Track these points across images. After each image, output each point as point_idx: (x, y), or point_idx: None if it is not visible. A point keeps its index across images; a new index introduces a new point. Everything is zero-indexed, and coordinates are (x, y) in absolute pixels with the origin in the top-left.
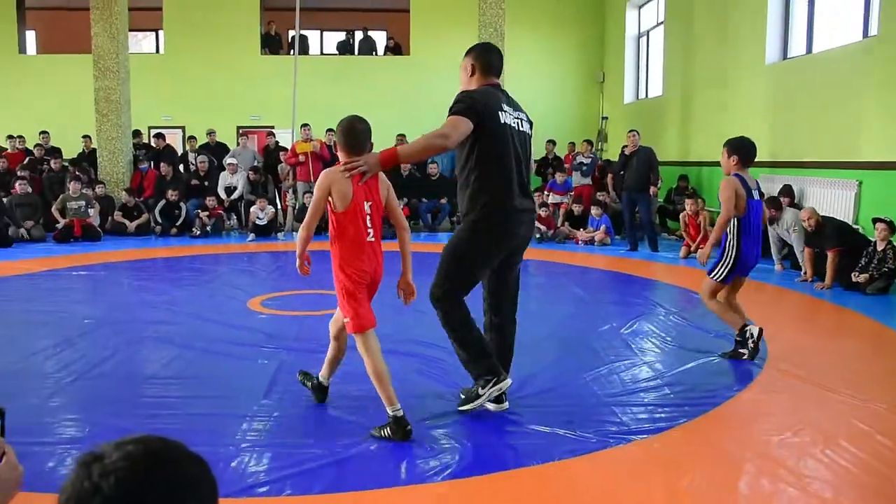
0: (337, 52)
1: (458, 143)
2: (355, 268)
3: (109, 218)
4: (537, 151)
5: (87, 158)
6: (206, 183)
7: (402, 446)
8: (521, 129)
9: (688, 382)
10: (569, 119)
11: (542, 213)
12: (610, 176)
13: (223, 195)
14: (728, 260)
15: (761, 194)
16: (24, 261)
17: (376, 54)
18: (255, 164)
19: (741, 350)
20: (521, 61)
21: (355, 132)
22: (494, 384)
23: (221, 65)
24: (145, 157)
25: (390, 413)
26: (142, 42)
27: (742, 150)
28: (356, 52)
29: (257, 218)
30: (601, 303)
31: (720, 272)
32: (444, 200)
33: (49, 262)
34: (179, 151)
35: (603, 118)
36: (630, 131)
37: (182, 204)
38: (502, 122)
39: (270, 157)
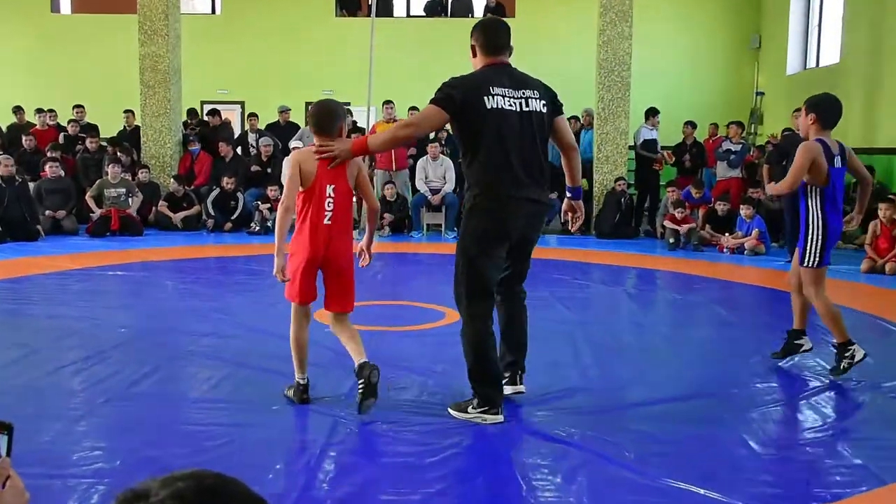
0: (424, 14)
1: (429, 132)
2: (300, 244)
3: (153, 209)
4: (671, 135)
5: (129, 138)
6: (268, 170)
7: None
8: (525, 108)
9: (864, 433)
10: (712, 95)
11: (677, 213)
12: (765, 167)
13: None
14: (815, 238)
15: (844, 160)
16: (52, 257)
17: (473, 16)
18: None
19: (799, 344)
20: (651, 24)
21: (326, 113)
22: (486, 413)
23: (289, 28)
24: (197, 138)
25: (298, 378)
26: (195, 1)
27: (823, 108)
28: (448, 13)
29: None
30: (752, 327)
31: (812, 255)
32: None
33: (81, 260)
34: (237, 131)
35: (758, 94)
36: (796, 110)
37: (239, 194)
38: (489, 106)
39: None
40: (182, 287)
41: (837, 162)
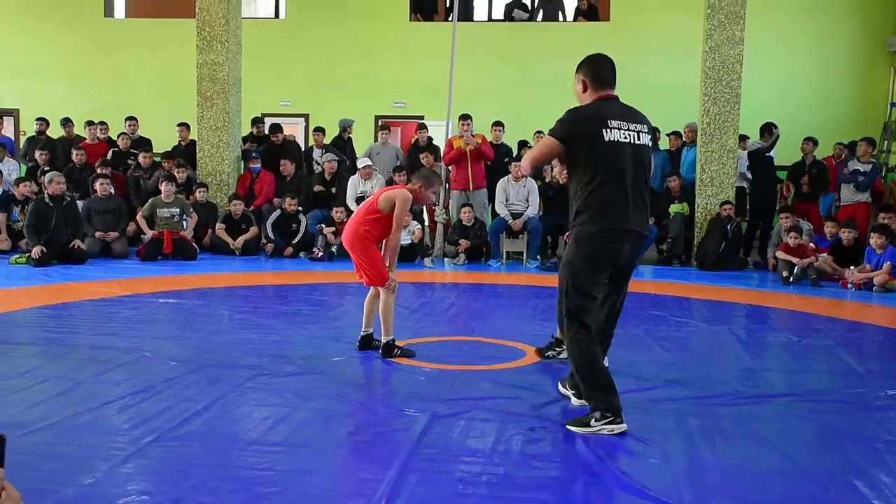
0: (505, 18)
1: (543, 163)
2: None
3: (209, 231)
4: (787, 153)
5: (184, 153)
6: (333, 189)
7: None
8: (636, 142)
9: None
10: (837, 107)
11: (791, 239)
12: None
13: (354, 206)
14: None
15: None
16: (100, 282)
17: (564, 20)
18: (399, 164)
19: None
20: (765, 27)
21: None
22: (610, 423)
23: (358, 34)
24: (259, 154)
25: (386, 339)
26: (256, 4)
27: None
28: (536, 16)
29: None
30: (885, 377)
31: None
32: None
33: (130, 285)
34: (301, 147)
35: (893, 105)
36: None
37: (301, 216)
38: (607, 139)
39: (417, 157)
40: (238, 317)
41: None
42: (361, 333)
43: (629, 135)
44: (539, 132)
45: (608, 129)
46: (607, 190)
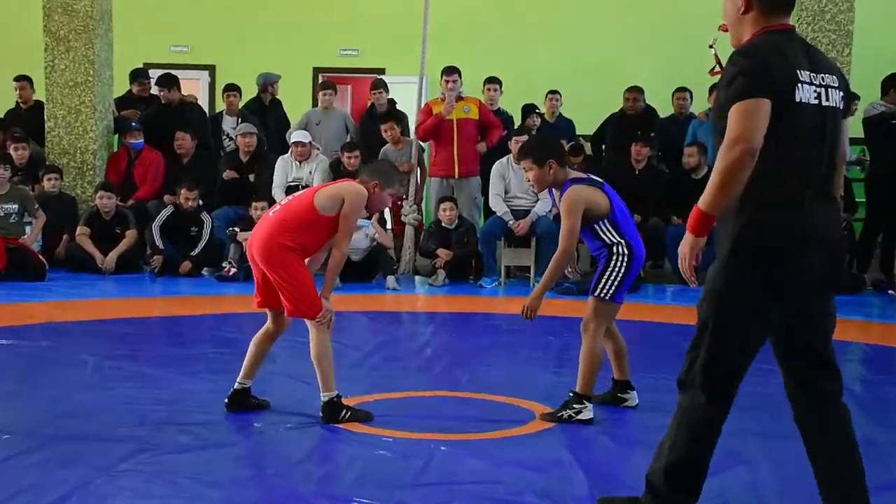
0: None
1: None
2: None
3: (65, 238)
4: None
5: (24, 121)
6: (251, 176)
7: None
8: (825, 102)
9: None
10: None
11: None
12: None
13: (283, 199)
14: None
15: None
16: None
17: None
18: (350, 138)
19: None
20: None
21: None
22: None
23: None
24: (139, 124)
25: (327, 396)
26: None
27: None
28: None
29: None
30: None
31: None
32: None
33: None
34: (206, 113)
35: None
36: None
37: (205, 216)
38: (797, 100)
39: (376, 130)
40: (108, 365)
41: None
42: (235, 386)
43: (819, 92)
44: (553, 92)
45: (800, 85)
46: (789, 174)
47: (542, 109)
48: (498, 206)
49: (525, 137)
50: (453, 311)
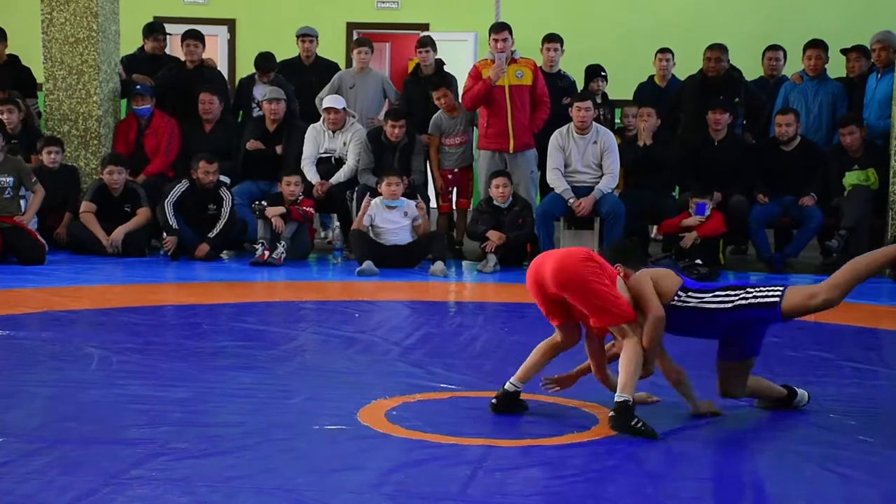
0: None
1: None
2: None
3: (67, 215)
4: None
5: (17, 82)
6: (278, 148)
7: None
8: None
9: None
10: None
11: None
12: None
13: (312, 175)
14: None
15: None
16: None
17: None
18: (392, 106)
19: None
20: None
21: None
22: None
23: None
24: (149, 90)
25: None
26: None
27: None
28: None
29: (377, 224)
30: None
31: None
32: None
33: None
34: (225, 77)
35: None
36: None
37: (225, 192)
38: None
39: (422, 96)
40: (117, 360)
41: None
42: (507, 388)
43: None
44: (664, 50)
45: None
46: None
47: (654, 71)
48: (557, 182)
49: (588, 103)
50: (505, 300)
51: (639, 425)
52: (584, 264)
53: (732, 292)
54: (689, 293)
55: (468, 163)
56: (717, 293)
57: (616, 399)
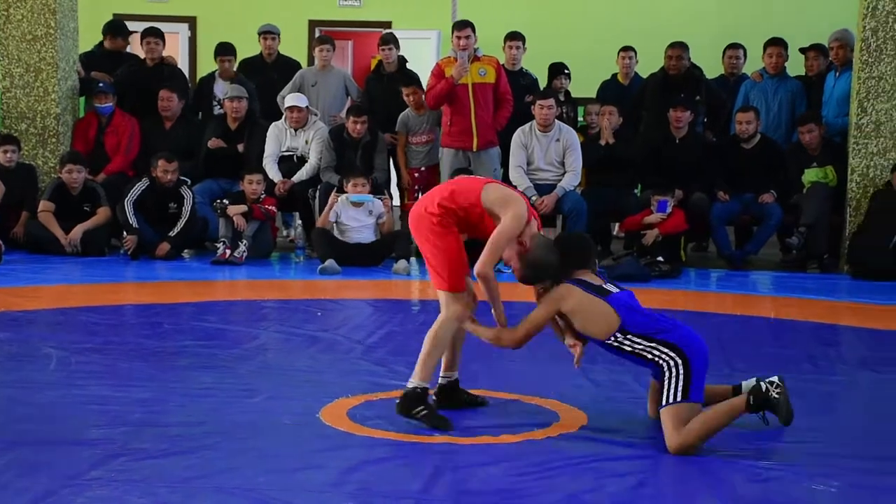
0: None
1: None
2: None
3: (24, 214)
4: None
5: None
6: (239, 146)
7: None
8: None
9: None
10: None
11: None
12: None
13: (274, 173)
14: None
15: None
16: None
17: None
18: (355, 102)
19: None
20: None
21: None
22: None
23: None
24: (110, 88)
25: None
26: None
27: None
28: None
29: (342, 222)
30: None
31: None
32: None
33: None
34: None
35: None
36: None
37: (186, 190)
38: None
39: (386, 92)
40: (76, 360)
41: None
42: (440, 381)
43: None
44: (626, 48)
45: None
46: None
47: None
48: (519, 179)
49: (551, 101)
50: None
51: (421, 413)
52: (426, 217)
53: (667, 353)
54: (628, 336)
55: (435, 161)
56: (653, 342)
57: (407, 385)
